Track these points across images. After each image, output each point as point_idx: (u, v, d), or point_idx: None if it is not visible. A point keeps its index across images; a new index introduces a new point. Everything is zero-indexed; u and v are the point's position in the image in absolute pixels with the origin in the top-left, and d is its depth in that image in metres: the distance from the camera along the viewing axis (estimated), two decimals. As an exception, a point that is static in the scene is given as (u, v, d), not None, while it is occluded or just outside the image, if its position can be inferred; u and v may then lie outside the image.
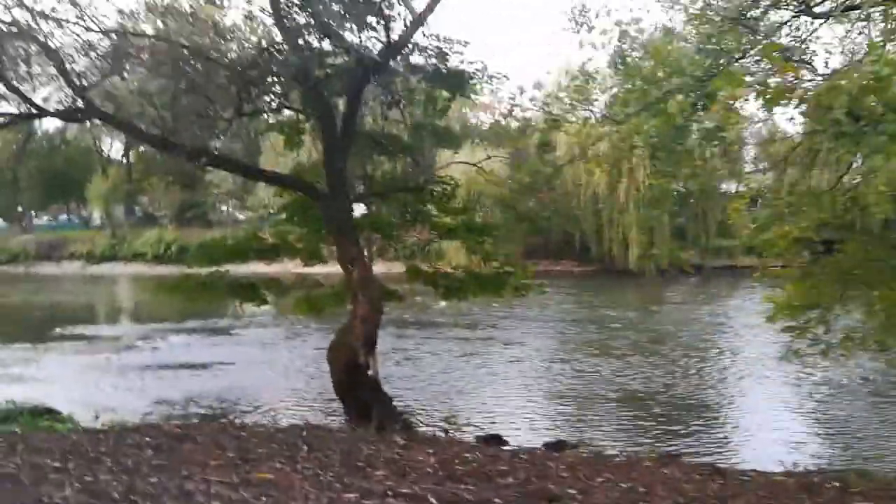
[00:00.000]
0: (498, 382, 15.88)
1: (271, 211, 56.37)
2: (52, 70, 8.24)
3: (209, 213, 56.83)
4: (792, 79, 3.42)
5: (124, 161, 60.49)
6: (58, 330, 26.33)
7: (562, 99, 6.11)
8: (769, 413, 12.84)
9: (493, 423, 12.22)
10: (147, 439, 6.47)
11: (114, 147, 66.47)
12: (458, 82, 10.53)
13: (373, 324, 8.83)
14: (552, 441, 11.39)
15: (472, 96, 10.73)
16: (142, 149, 62.03)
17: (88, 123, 54.29)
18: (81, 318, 31.06)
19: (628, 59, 4.96)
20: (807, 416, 12.99)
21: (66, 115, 9.11)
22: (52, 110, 8.62)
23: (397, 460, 5.95)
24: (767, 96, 3.47)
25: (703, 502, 5.05)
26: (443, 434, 10.17)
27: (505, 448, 8.35)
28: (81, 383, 17.25)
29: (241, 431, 7.26)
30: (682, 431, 11.68)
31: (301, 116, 10.45)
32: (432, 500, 4.79)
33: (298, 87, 9.42)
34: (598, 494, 5.24)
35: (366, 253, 10.90)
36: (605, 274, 40.65)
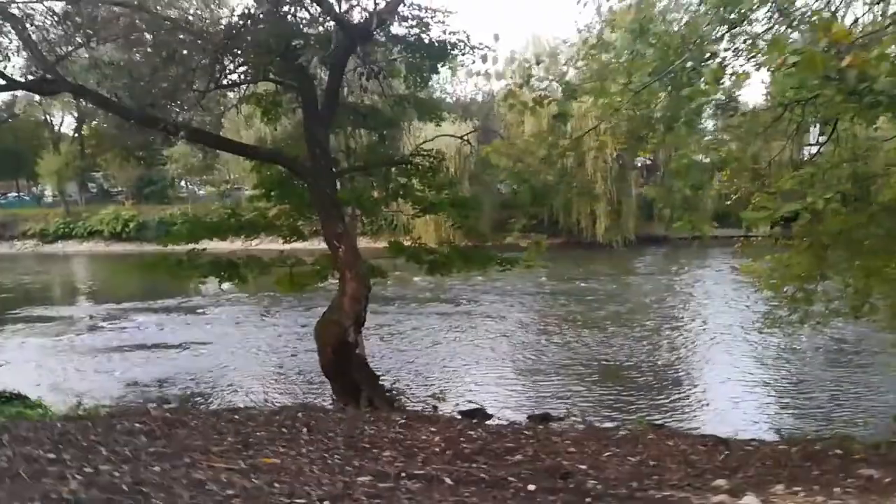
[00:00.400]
0: (479, 357, 15.87)
1: (236, 186, 55.32)
2: (17, 41, 7.71)
3: (168, 189, 55.26)
4: (842, 46, 3.35)
5: (76, 136, 58.23)
6: (16, 311, 25.45)
7: (580, 68, 5.93)
8: (746, 381, 13.11)
9: (477, 397, 12.21)
10: (137, 425, 6.22)
11: (65, 121, 64.32)
12: (440, 52, 10.28)
13: (361, 302, 8.64)
14: (537, 414, 11.45)
15: (459, 66, 10.45)
16: (94, 123, 60.25)
17: (38, 97, 51.85)
18: (41, 298, 30.13)
19: (645, 27, 4.84)
20: (782, 382, 13.30)
21: (35, 86, 8.56)
22: (21, 81, 8.08)
23: (402, 440, 5.84)
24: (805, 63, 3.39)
25: (715, 474, 5.07)
26: (431, 410, 10.14)
27: (501, 423, 8.29)
28: (47, 367, 16.70)
29: (234, 415, 7.06)
30: (666, 402, 11.84)
31: (279, 88, 10.07)
32: (447, 480, 4.69)
33: (277, 57, 9.04)
34: (610, 469, 5.21)
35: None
36: (574, 246, 40.93)
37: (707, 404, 11.66)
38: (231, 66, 9.14)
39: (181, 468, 4.69)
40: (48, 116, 57.12)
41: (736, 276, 21.07)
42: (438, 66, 10.56)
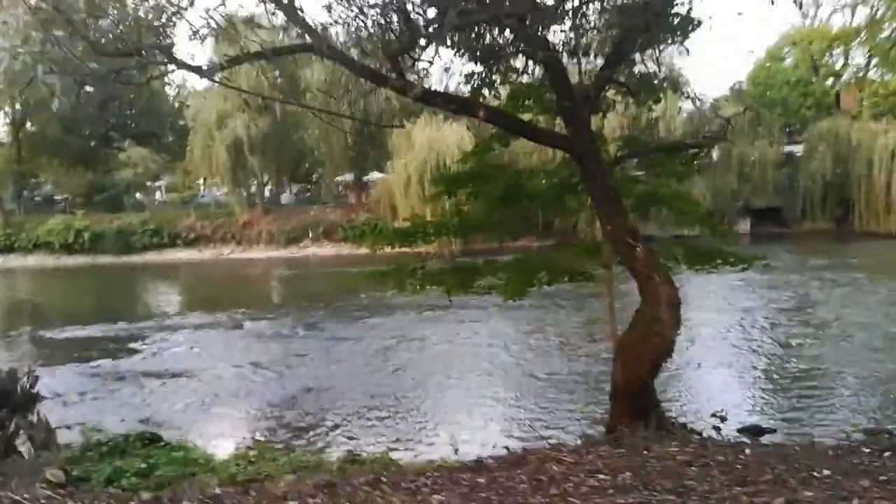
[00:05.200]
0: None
1: (201, 194, 51.77)
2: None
3: (124, 196, 51.09)
4: None
5: (14, 139, 53.04)
6: (15, 334, 22.40)
7: None
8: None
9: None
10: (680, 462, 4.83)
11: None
12: (682, 27, 9.13)
13: (679, 307, 7.39)
14: (748, 426, 10.53)
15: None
16: (30, 127, 54.84)
17: None
18: (32, 317, 26.71)
19: None
20: None
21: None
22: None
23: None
24: None
25: None
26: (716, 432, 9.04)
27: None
28: (115, 398, 14.34)
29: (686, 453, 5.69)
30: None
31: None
32: None
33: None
34: None
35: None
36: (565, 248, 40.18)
37: None
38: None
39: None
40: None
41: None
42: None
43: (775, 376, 13.80)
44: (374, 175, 53.20)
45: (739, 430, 10.09)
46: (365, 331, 20.06)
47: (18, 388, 9.89)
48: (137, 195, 52.34)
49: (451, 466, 5.56)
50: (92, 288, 36.43)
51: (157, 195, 54.54)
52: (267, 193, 51.97)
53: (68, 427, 11.62)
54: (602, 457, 5.61)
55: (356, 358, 16.87)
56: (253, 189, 48.77)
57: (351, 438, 11.32)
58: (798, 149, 48.37)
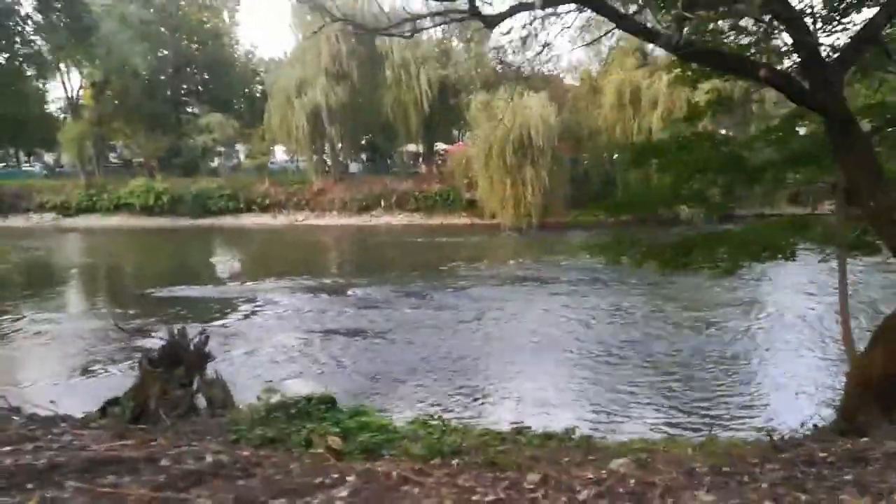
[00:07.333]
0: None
1: (272, 161, 51.79)
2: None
3: (199, 160, 51.68)
4: None
5: (94, 103, 53.92)
6: (127, 293, 22.90)
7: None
8: None
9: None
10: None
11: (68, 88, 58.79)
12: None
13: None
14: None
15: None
16: (108, 91, 55.55)
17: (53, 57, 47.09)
18: (135, 277, 27.35)
19: None
20: None
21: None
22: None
23: None
24: None
25: None
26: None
27: None
28: (246, 361, 14.33)
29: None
30: None
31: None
32: None
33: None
34: None
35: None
36: (651, 224, 39.28)
37: None
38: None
39: None
40: (65, 78, 52.67)
41: None
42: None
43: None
44: (441, 146, 52.89)
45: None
46: (475, 302, 19.88)
47: (191, 347, 9.84)
48: (215, 161, 52.87)
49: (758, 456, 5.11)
50: (178, 249, 37.14)
51: (232, 161, 55.01)
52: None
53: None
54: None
55: (476, 329, 16.72)
56: (326, 157, 48.82)
57: (500, 409, 11.14)
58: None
